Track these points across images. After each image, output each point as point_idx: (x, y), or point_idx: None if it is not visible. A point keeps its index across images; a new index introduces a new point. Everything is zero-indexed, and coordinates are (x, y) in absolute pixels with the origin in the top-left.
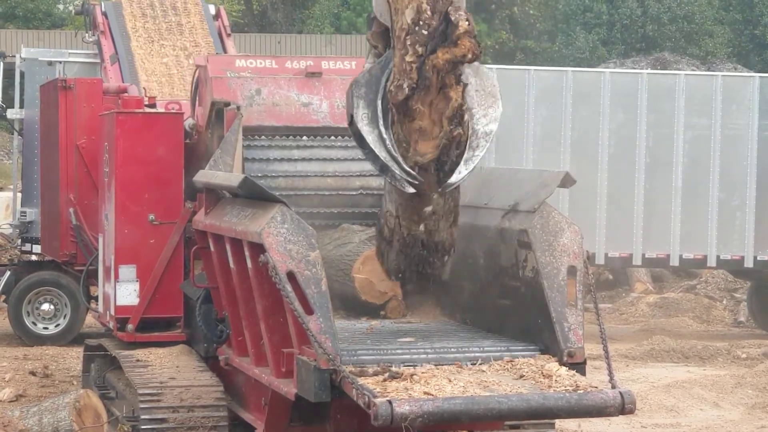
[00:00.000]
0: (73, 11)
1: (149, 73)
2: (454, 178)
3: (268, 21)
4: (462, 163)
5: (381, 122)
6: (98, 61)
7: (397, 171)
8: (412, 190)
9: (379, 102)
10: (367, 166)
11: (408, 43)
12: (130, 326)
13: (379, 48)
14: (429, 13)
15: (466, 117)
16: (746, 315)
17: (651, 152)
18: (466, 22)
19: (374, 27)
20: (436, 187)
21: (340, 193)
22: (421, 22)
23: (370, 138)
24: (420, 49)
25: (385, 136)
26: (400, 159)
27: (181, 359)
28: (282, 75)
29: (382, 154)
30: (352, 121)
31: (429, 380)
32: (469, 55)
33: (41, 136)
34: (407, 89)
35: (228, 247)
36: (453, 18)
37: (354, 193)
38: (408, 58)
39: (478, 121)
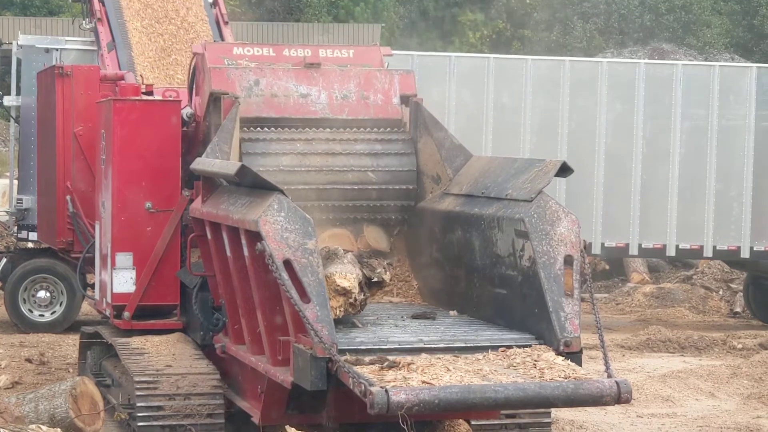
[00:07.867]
0: None
1: (146, 61)
2: None
3: (266, 9)
4: None
5: None
6: (95, 48)
7: None
8: None
9: None
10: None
11: None
12: (126, 314)
13: None
14: None
15: None
16: (742, 305)
17: (648, 142)
18: None
19: None
20: None
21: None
22: None
23: None
24: None
25: None
26: None
27: (177, 347)
28: (280, 64)
29: None
30: None
31: (426, 369)
32: None
33: (38, 123)
34: None
35: (225, 235)
36: None
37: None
38: None
39: None
